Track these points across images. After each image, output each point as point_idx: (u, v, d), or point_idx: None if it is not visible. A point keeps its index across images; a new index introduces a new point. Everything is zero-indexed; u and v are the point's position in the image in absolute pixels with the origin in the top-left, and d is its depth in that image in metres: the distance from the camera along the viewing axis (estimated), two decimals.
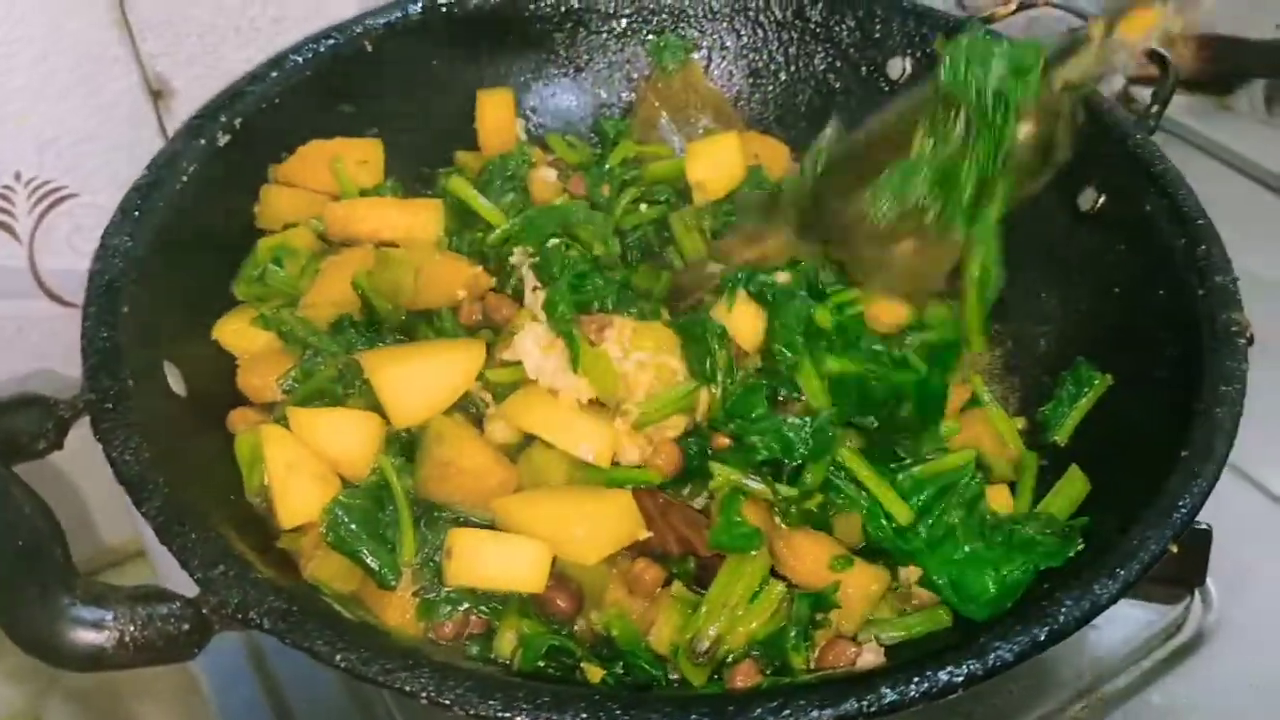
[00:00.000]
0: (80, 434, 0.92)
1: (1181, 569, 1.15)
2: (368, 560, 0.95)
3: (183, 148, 1.12)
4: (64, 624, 0.73)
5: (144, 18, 1.37)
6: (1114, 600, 0.79)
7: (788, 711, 0.72)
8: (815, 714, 0.72)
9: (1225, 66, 1.79)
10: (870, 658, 0.89)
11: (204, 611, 0.77)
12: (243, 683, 1.14)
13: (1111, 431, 1.04)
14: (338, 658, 0.75)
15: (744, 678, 0.88)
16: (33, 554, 0.76)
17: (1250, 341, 0.96)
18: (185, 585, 0.79)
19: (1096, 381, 1.08)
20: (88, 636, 0.74)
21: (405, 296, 1.12)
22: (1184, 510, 0.84)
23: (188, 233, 1.08)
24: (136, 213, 1.05)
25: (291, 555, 0.95)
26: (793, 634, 0.91)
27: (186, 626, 0.76)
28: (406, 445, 1.02)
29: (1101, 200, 1.16)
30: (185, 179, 1.10)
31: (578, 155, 1.37)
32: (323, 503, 0.97)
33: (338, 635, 0.76)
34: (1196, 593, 1.17)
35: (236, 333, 1.10)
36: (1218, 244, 1.04)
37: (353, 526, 0.96)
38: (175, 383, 1.00)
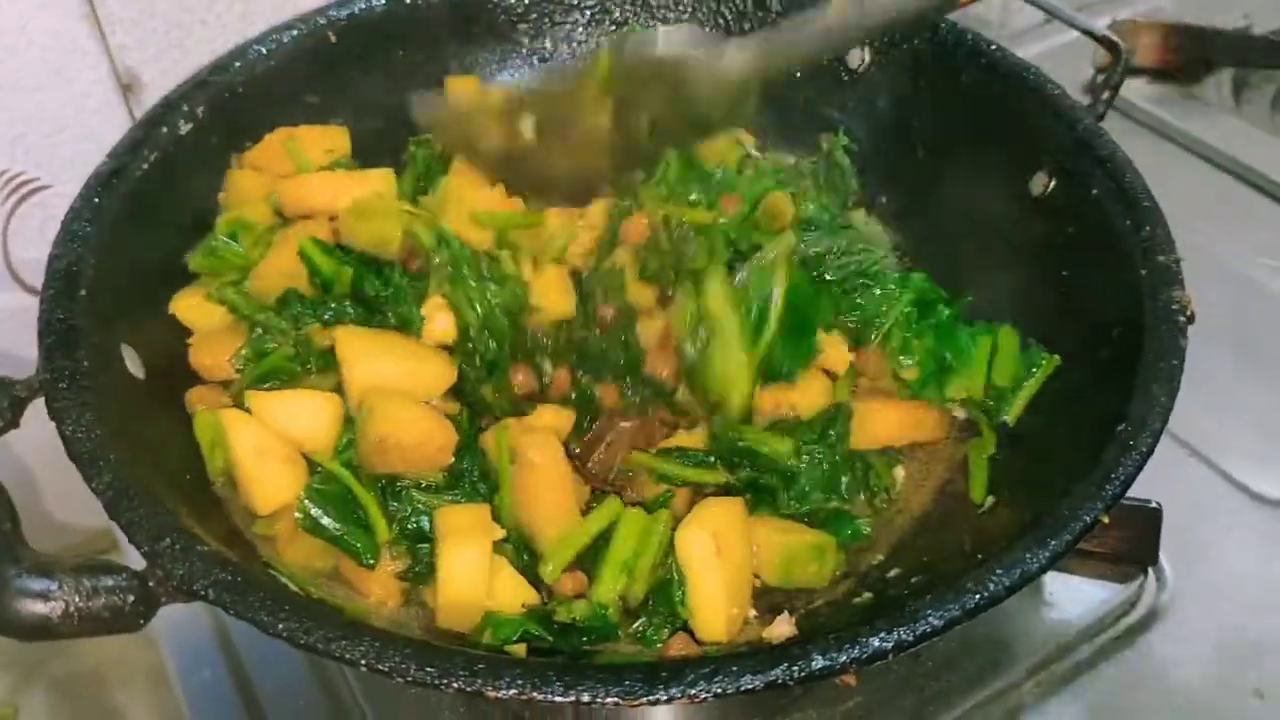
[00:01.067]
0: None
1: (1134, 547, 1.17)
2: (346, 543, 0.97)
3: (144, 135, 1.14)
4: (9, 594, 0.75)
5: (113, 11, 1.38)
6: (1044, 569, 0.80)
7: (720, 677, 0.74)
8: (747, 680, 0.74)
9: (1193, 56, 1.81)
10: (783, 629, 0.92)
11: (150, 584, 0.79)
12: (207, 664, 1.16)
13: (1058, 410, 1.06)
14: (280, 627, 0.76)
15: (678, 648, 0.89)
16: None
17: (1191, 319, 0.97)
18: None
19: (1044, 362, 1.09)
20: (33, 607, 0.75)
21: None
22: (1117, 482, 0.85)
23: (148, 219, 1.10)
24: (96, 199, 1.06)
25: (250, 538, 0.97)
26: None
27: (132, 598, 0.78)
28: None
29: (1052, 185, 1.17)
30: (146, 166, 1.11)
31: None
32: (295, 488, 0.98)
33: (279, 606, 0.77)
34: (1150, 571, 1.19)
35: (191, 308, 1.12)
36: (1162, 225, 1.05)
37: (327, 511, 0.98)
38: (133, 365, 1.01)
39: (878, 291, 1.16)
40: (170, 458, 0.98)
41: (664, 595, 0.95)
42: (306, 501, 0.97)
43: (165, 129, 1.15)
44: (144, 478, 0.87)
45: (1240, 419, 1.33)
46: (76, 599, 0.76)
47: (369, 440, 0.98)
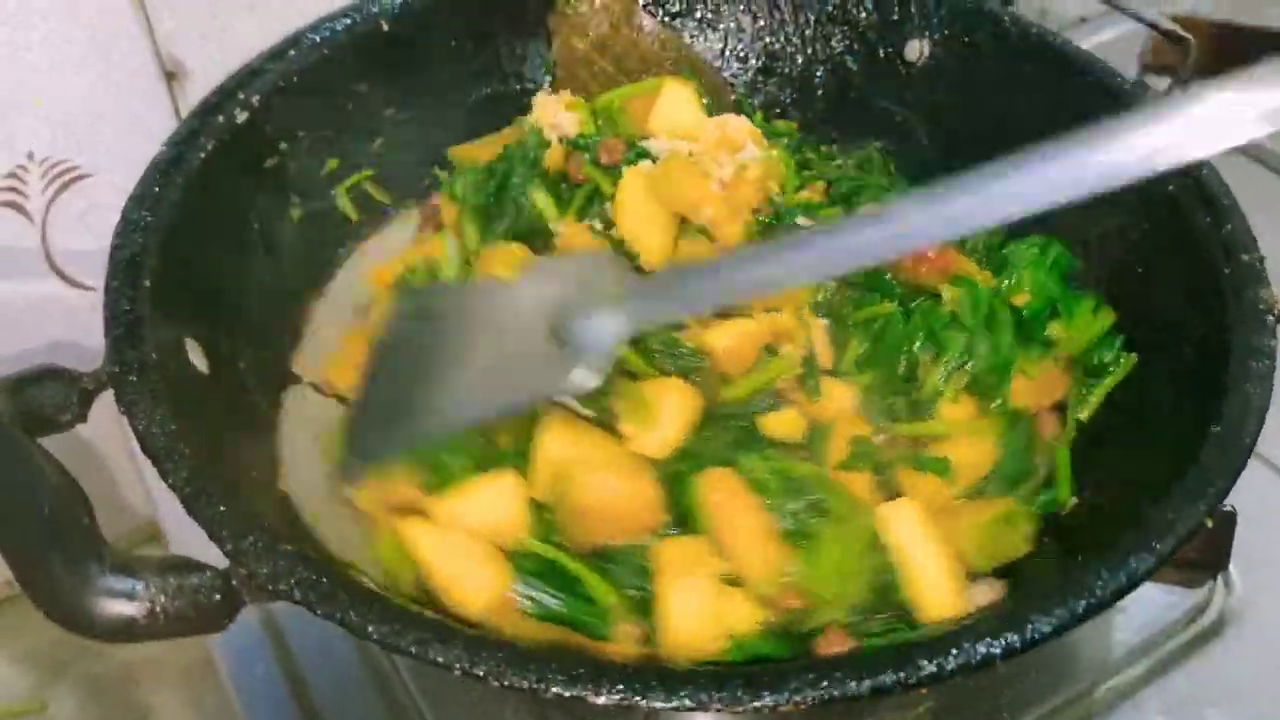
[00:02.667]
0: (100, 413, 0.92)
1: (1205, 553, 1.14)
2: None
3: (201, 125, 1.11)
4: (93, 594, 0.72)
5: None
6: (1150, 574, 0.79)
7: (825, 683, 0.72)
8: (852, 686, 0.72)
9: (1240, 54, 1.78)
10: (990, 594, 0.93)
11: (234, 583, 0.77)
12: (259, 660, 1.14)
13: (1137, 410, 1.04)
14: (370, 629, 0.74)
15: (830, 645, 0.88)
16: (59, 523, 0.75)
17: (1278, 319, 0.96)
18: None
19: (1122, 360, 1.07)
20: (117, 607, 0.73)
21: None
22: (1219, 484, 0.83)
23: (207, 210, 1.07)
24: (157, 189, 1.04)
25: (320, 537, 0.95)
26: None
27: (218, 597, 0.75)
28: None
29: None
30: (204, 155, 1.09)
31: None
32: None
33: (369, 606, 0.75)
34: (1219, 577, 1.17)
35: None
36: (1242, 222, 1.03)
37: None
38: (197, 359, 0.99)
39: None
40: (237, 454, 0.96)
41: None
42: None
43: (222, 117, 1.12)
44: (219, 474, 0.85)
45: None
46: (162, 599, 0.74)
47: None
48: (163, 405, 0.86)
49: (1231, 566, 1.17)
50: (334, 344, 1.18)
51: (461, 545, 0.92)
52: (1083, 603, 0.76)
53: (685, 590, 0.89)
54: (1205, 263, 1.02)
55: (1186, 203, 1.07)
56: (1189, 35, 1.20)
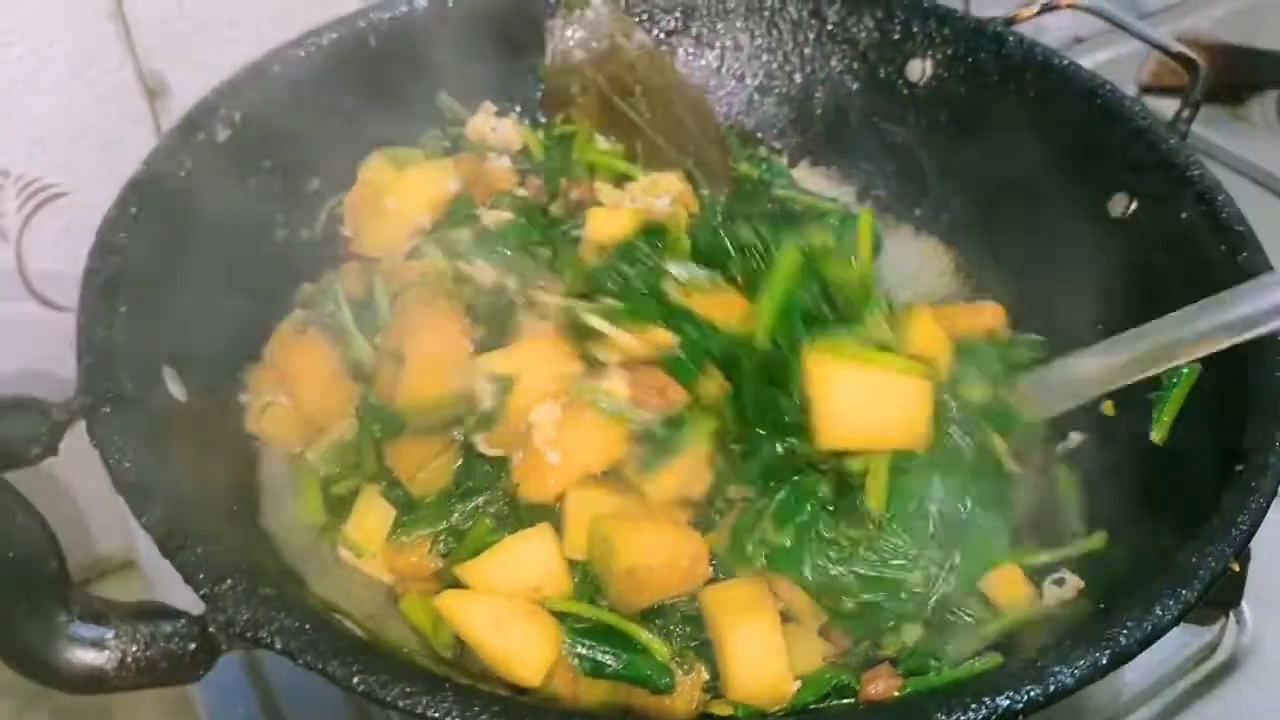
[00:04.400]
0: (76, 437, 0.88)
1: (1218, 590, 1.11)
2: (635, 674, 0.88)
3: (181, 143, 1.07)
4: (60, 643, 0.68)
5: (141, 12, 1.32)
6: (1175, 622, 0.76)
7: None
8: None
9: (1238, 78, 1.77)
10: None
11: (210, 630, 0.72)
12: (240, 701, 1.09)
13: (1154, 450, 1.00)
14: (355, 680, 0.70)
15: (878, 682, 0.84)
16: (25, 567, 0.71)
17: None
18: (182, 598, 0.75)
19: (1185, 372, 1.00)
20: (86, 657, 0.68)
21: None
22: (1244, 526, 0.80)
23: (187, 231, 1.03)
24: (134, 209, 1.00)
25: (300, 574, 0.90)
26: None
27: (193, 646, 0.71)
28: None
29: (1134, 206, 1.12)
30: (184, 174, 1.05)
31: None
32: (555, 641, 0.88)
33: (354, 656, 0.71)
34: (1231, 614, 1.14)
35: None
36: (1259, 251, 1.01)
37: (603, 653, 0.89)
38: (175, 388, 0.94)
39: None
40: (217, 488, 0.91)
41: None
42: (578, 649, 0.88)
43: (203, 134, 1.08)
44: (197, 512, 0.81)
45: None
46: (134, 648, 0.69)
47: (619, 577, 0.88)
48: (137, 439, 0.82)
49: (1244, 603, 1.14)
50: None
51: (510, 616, 0.86)
52: (1108, 653, 0.73)
53: (750, 635, 0.86)
54: (1221, 291, 0.99)
55: (1200, 231, 1.05)
56: (1198, 58, 1.17)
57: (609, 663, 0.87)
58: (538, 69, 1.34)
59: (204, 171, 1.07)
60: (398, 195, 1.15)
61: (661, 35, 1.37)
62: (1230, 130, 1.78)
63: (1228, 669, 1.11)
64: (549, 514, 0.95)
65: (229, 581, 0.74)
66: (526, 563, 0.91)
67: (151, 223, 1.00)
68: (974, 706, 0.69)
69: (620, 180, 1.26)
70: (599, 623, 0.89)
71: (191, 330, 1.01)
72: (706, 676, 0.89)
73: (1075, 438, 1.09)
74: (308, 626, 0.72)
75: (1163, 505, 0.92)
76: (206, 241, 1.07)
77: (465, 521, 0.96)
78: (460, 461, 0.98)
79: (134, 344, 0.90)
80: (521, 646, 0.85)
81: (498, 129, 1.28)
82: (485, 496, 0.97)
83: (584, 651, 0.87)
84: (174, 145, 1.06)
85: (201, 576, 0.74)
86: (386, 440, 1.01)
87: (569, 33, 1.33)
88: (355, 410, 1.04)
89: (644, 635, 0.89)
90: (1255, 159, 1.71)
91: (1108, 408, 1.08)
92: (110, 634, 0.69)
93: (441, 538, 0.96)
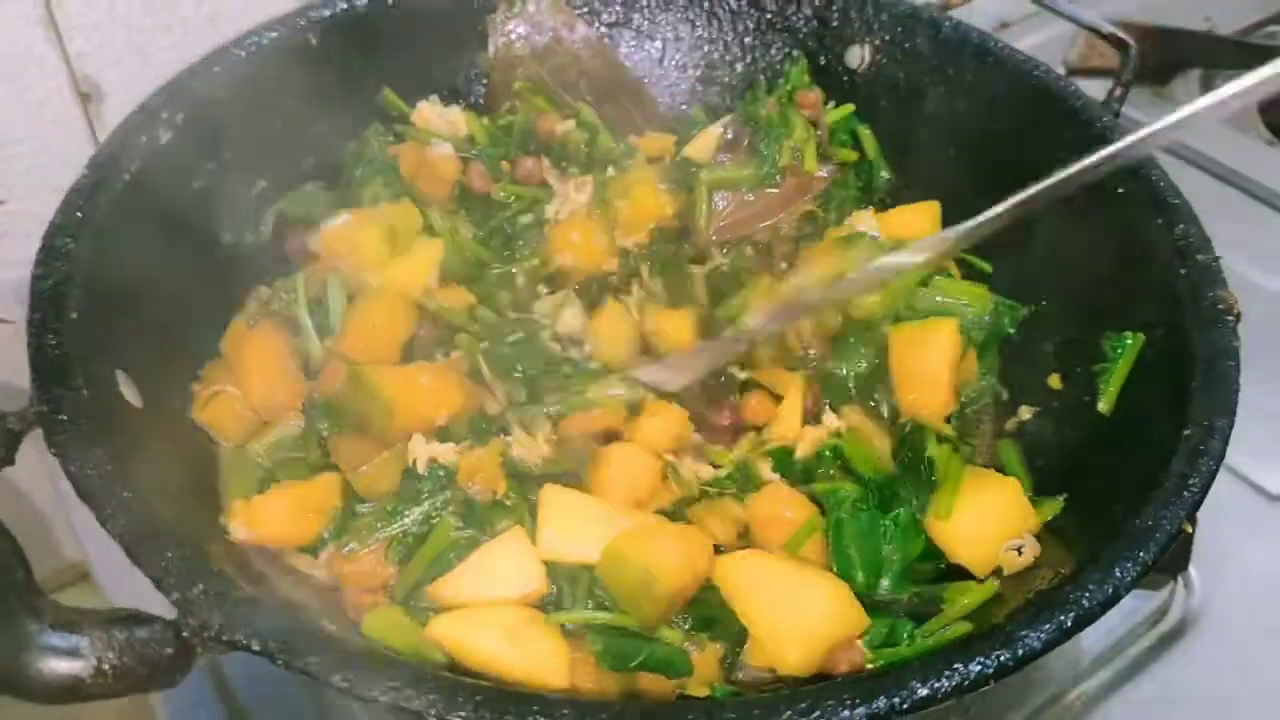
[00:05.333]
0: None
1: (1167, 555, 1.15)
2: (659, 664, 0.88)
3: (124, 145, 1.05)
4: (33, 653, 0.67)
5: (72, 16, 1.30)
6: (1135, 583, 0.78)
7: (817, 713, 0.69)
8: (846, 714, 0.69)
9: (1164, 57, 1.82)
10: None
11: (184, 635, 0.71)
12: (202, 709, 1.07)
13: (1102, 419, 1.03)
14: (336, 677, 0.69)
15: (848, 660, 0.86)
16: None
17: (1238, 318, 0.96)
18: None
19: (1129, 342, 1.02)
20: (61, 666, 0.67)
21: (375, 428, 0.98)
22: (1194, 488, 0.83)
23: (134, 233, 1.01)
24: (79, 214, 0.98)
25: (272, 577, 0.89)
26: None
27: (169, 651, 0.70)
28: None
29: None
30: (128, 177, 1.03)
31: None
32: (566, 653, 0.86)
33: (333, 653, 0.70)
34: (1179, 578, 1.17)
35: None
36: (1195, 224, 1.04)
37: (622, 646, 0.88)
38: (130, 392, 0.93)
39: None
40: (179, 492, 0.90)
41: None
42: (600, 651, 0.87)
43: (145, 138, 1.06)
44: (161, 516, 0.79)
45: (1253, 422, 1.31)
46: (110, 655, 0.68)
47: (632, 586, 0.88)
48: (97, 446, 0.81)
49: (1191, 567, 1.17)
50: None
51: (517, 626, 0.85)
52: (1072, 615, 0.75)
53: (773, 604, 0.88)
54: (1160, 265, 1.02)
55: (1137, 207, 1.07)
56: (1129, 39, 1.20)
57: (631, 655, 0.87)
58: (481, 63, 1.34)
59: (148, 175, 1.05)
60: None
61: (604, 28, 1.37)
62: (1156, 110, 1.79)
63: (1179, 632, 1.14)
64: (506, 512, 0.95)
65: (200, 585, 0.73)
66: (505, 571, 0.90)
67: (97, 228, 0.98)
68: (947, 674, 0.71)
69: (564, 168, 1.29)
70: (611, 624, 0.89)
71: (142, 335, 0.99)
72: (723, 652, 0.91)
73: (1024, 411, 1.12)
74: (282, 626, 0.72)
75: (1114, 473, 0.94)
76: (153, 245, 1.05)
77: (419, 526, 0.95)
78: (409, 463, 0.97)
79: (87, 350, 0.89)
80: (542, 652, 0.84)
81: (444, 114, 1.29)
82: (439, 498, 0.96)
83: (605, 647, 0.87)
84: (117, 149, 1.04)
85: (172, 581, 0.73)
86: (334, 435, 1.01)
87: (511, 27, 1.33)
88: (302, 407, 1.04)
89: (664, 630, 0.90)
90: (1181, 137, 1.75)
91: (1054, 381, 1.11)
92: (84, 642, 0.68)
93: (393, 545, 0.95)
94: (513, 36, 1.32)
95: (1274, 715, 1.09)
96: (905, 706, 0.70)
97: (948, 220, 1.22)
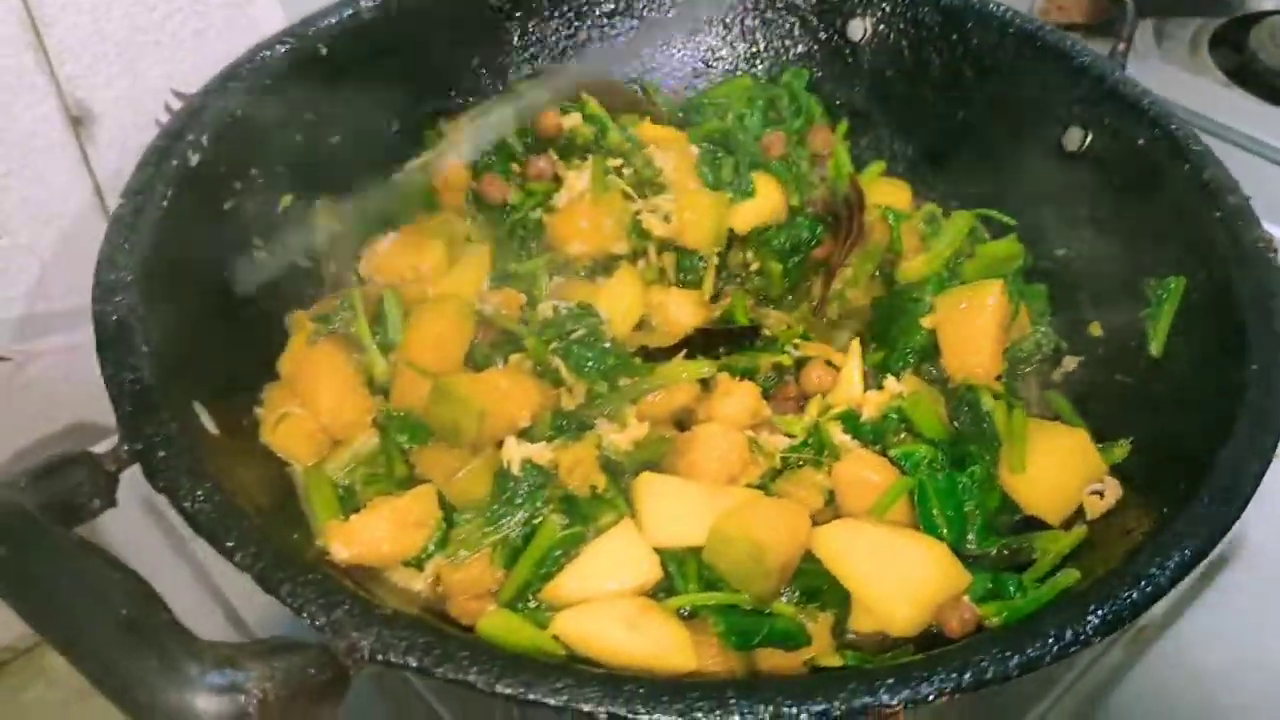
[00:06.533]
0: None
1: None
2: (778, 637, 0.90)
3: (156, 172, 1.03)
4: (199, 695, 0.65)
5: (61, 39, 1.25)
6: (1238, 518, 0.81)
7: (969, 671, 0.71)
8: (999, 667, 0.71)
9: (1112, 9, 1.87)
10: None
11: (338, 657, 0.71)
12: None
13: (1154, 363, 1.06)
14: (499, 686, 0.70)
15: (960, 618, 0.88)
16: (140, 625, 0.68)
17: (1277, 254, 1.00)
18: None
19: (1173, 286, 1.06)
20: (227, 705, 0.66)
21: (469, 437, 0.99)
22: (1275, 422, 0.86)
23: (181, 259, 0.99)
24: (126, 245, 0.96)
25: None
26: None
27: (329, 675, 0.69)
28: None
29: (1089, 139, 1.18)
30: (165, 204, 1.01)
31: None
32: (686, 640, 0.87)
33: (491, 661, 0.71)
34: None
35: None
36: (1221, 167, 1.07)
37: (744, 625, 0.90)
38: (208, 421, 0.92)
39: None
40: (282, 517, 0.89)
41: None
42: (724, 631, 0.88)
43: (175, 162, 1.04)
44: (274, 542, 0.79)
45: None
46: (270, 686, 0.67)
47: (742, 561, 0.89)
48: (204, 478, 0.80)
49: None
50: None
51: (635, 615, 0.86)
52: (1189, 550, 0.78)
53: (876, 568, 0.90)
54: (1192, 209, 1.06)
55: (1158, 154, 1.11)
56: None
57: (754, 631, 0.88)
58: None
59: (182, 199, 1.03)
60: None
61: (604, 18, 1.37)
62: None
63: (1218, 567, 1.18)
64: (606, 505, 0.95)
65: (345, 606, 0.73)
66: (619, 562, 0.90)
67: (144, 256, 0.96)
68: (1087, 617, 0.74)
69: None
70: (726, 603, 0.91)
71: (205, 360, 0.98)
72: (833, 620, 0.92)
73: (1069, 362, 1.15)
74: (434, 639, 0.72)
75: (1178, 414, 0.98)
76: (198, 269, 1.04)
77: (523, 527, 0.95)
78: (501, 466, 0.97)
79: (164, 380, 0.87)
80: (666, 637, 0.85)
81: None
82: (539, 498, 0.96)
83: (728, 627, 0.88)
84: (150, 175, 1.02)
85: (315, 607, 0.73)
86: (415, 448, 1.01)
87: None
88: (374, 421, 1.03)
89: (780, 608, 0.91)
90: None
91: (1094, 329, 1.14)
92: (246, 676, 0.67)
93: (498, 548, 0.95)
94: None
95: None
96: (1056, 651, 0.72)
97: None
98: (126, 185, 1.01)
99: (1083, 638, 0.73)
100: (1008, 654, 0.71)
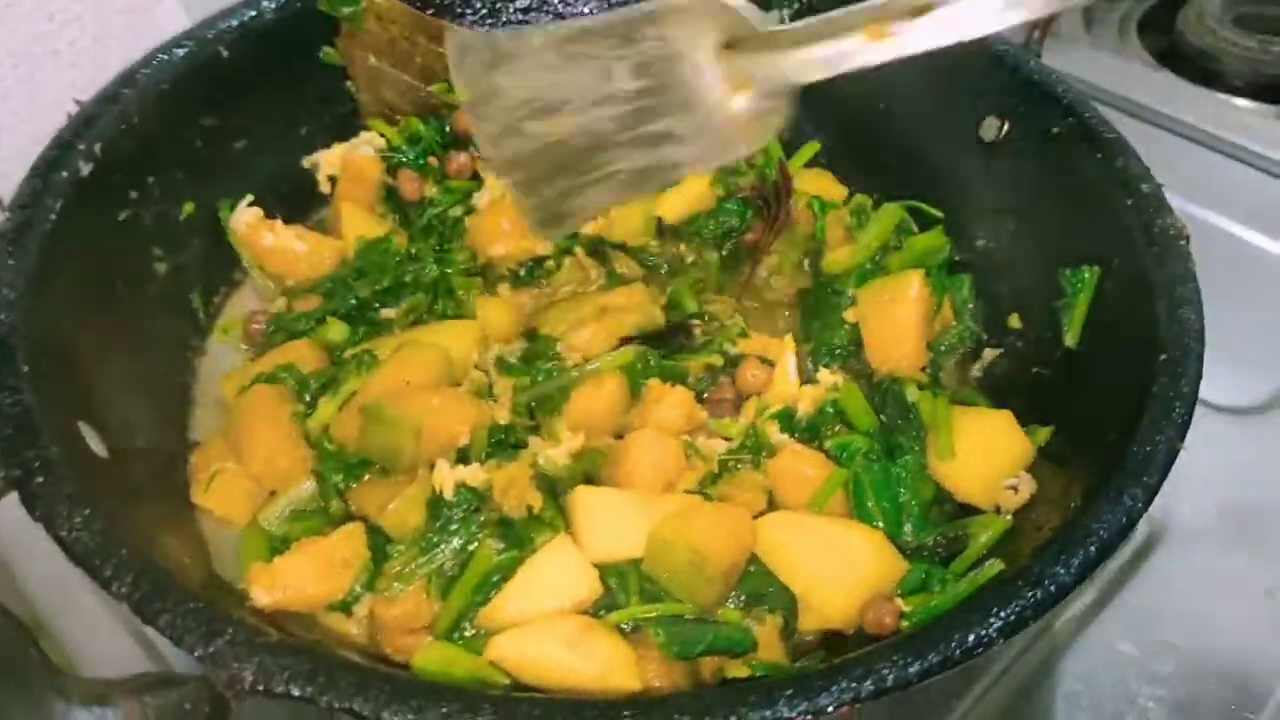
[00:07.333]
0: None
1: None
2: (727, 642, 0.88)
3: (45, 183, 0.99)
4: None
5: None
6: (1147, 508, 0.80)
7: (870, 679, 0.70)
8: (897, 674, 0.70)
9: None
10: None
11: (217, 690, 0.68)
12: None
13: (1070, 354, 1.06)
14: (384, 714, 0.67)
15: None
16: (5, 660, 0.65)
17: (1188, 241, 0.99)
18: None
19: (1086, 276, 1.05)
20: None
21: (405, 459, 0.97)
22: (1181, 410, 0.85)
23: (72, 273, 0.96)
24: (11, 261, 0.92)
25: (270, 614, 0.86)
26: None
27: (207, 710, 0.67)
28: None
29: (1005, 128, 1.17)
30: (55, 216, 0.97)
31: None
32: (630, 656, 0.85)
33: (379, 689, 0.68)
34: None
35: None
36: (1134, 156, 1.06)
37: (685, 634, 0.88)
38: (95, 444, 0.88)
39: None
40: (168, 543, 0.86)
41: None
42: (665, 642, 0.86)
43: (65, 172, 1.00)
44: (158, 569, 0.76)
45: None
46: None
47: (682, 569, 0.88)
48: (82, 505, 0.77)
49: None
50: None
51: (577, 634, 0.84)
52: (1094, 546, 0.77)
53: (814, 559, 0.90)
54: (1104, 197, 1.04)
55: (1073, 143, 1.10)
56: None
57: (695, 640, 0.86)
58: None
59: (74, 209, 0.99)
60: None
61: (519, 13, 1.34)
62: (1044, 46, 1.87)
63: (1150, 547, 1.17)
64: (543, 525, 0.93)
65: (227, 634, 0.70)
66: (557, 581, 0.88)
67: (30, 274, 0.92)
68: (987, 623, 0.73)
69: None
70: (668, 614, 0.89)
71: (96, 380, 0.95)
72: (781, 622, 0.91)
73: (988, 354, 1.14)
74: (318, 667, 0.69)
75: (1093, 404, 0.97)
76: (90, 284, 1.00)
77: (458, 555, 0.92)
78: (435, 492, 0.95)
79: (46, 404, 0.84)
80: (608, 655, 0.83)
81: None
82: (473, 523, 0.93)
83: (668, 637, 0.86)
84: (37, 187, 0.98)
85: (194, 637, 0.70)
86: (351, 487, 0.99)
87: (359, 44, 1.29)
88: (311, 471, 1.00)
89: (727, 616, 0.90)
90: (1066, 68, 1.80)
91: (1013, 320, 1.13)
92: (116, 714, 0.65)
93: (432, 579, 0.92)
94: (366, 55, 1.28)
95: (1243, 617, 1.13)
96: (959, 656, 0.71)
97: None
98: (12, 198, 0.98)
99: (985, 640, 0.72)
100: (909, 660, 0.70)
